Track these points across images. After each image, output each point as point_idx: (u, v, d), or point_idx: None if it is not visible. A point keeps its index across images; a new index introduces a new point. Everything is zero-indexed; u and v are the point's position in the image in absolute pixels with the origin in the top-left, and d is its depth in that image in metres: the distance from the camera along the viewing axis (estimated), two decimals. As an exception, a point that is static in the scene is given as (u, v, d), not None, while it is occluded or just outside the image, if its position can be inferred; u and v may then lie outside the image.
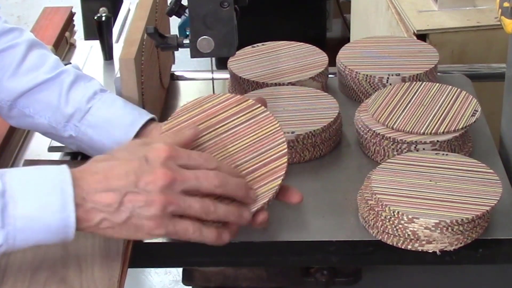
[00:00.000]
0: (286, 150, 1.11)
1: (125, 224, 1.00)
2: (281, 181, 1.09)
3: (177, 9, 1.30)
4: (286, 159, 1.10)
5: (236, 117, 1.11)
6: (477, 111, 1.32)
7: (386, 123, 1.30)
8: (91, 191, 0.99)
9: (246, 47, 1.55)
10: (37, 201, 0.97)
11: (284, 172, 1.10)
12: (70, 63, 1.49)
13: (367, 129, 1.31)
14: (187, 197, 1.02)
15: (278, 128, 1.12)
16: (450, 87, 1.38)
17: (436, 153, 1.24)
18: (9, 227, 0.96)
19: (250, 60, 1.52)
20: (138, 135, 1.21)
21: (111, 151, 1.06)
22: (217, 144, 1.11)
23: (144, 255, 1.16)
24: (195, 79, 1.64)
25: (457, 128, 1.29)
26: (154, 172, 1.00)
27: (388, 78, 1.44)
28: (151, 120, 1.24)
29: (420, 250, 1.13)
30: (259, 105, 1.13)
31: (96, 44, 1.67)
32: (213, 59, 1.34)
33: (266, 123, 1.12)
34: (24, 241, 0.98)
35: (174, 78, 1.63)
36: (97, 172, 1.00)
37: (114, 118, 1.22)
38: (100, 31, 1.62)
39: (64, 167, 1.00)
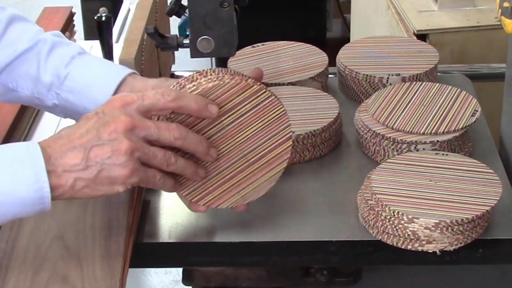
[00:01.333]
0: (291, 133, 1.13)
1: (98, 178, 1.01)
2: (286, 164, 1.12)
3: (177, 9, 1.30)
4: (291, 142, 1.13)
5: (242, 105, 1.10)
6: (477, 111, 1.32)
7: (386, 123, 1.30)
8: (58, 155, 1.00)
9: (246, 47, 1.55)
10: (10, 175, 0.98)
11: (288, 155, 1.12)
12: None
13: (367, 129, 1.31)
14: (150, 145, 1.03)
15: (283, 112, 1.12)
16: (450, 87, 1.38)
17: (436, 153, 1.24)
18: None
19: (250, 60, 1.52)
20: (119, 88, 1.21)
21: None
22: (224, 136, 1.11)
23: (144, 255, 1.16)
24: (195, 79, 1.63)
25: (457, 128, 1.29)
26: (114, 121, 1.01)
27: (388, 78, 1.44)
28: (130, 75, 1.22)
29: (420, 250, 1.13)
30: (264, 90, 1.11)
31: (96, 44, 1.67)
32: (213, 59, 1.34)
33: (271, 109, 1.11)
34: (2, 215, 1.00)
35: (174, 78, 1.63)
36: (61, 137, 1.02)
37: (92, 81, 1.21)
38: (100, 31, 1.62)
39: (33, 142, 1.02)
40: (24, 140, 1.41)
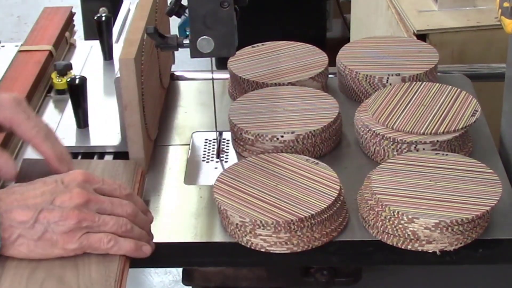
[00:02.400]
0: None
1: (40, 240, 1.03)
2: None
3: (177, 9, 1.30)
4: None
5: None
6: (477, 111, 1.32)
7: (386, 123, 1.30)
8: (8, 208, 1.02)
9: (246, 47, 1.55)
10: None
11: None
12: (70, 65, 1.50)
13: (367, 129, 1.31)
14: (102, 215, 1.06)
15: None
16: (450, 87, 1.38)
17: (436, 153, 1.24)
18: None
19: (250, 60, 1.52)
20: None
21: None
22: None
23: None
24: (195, 79, 1.64)
25: (457, 128, 1.29)
26: (70, 192, 1.04)
27: (388, 78, 1.44)
28: None
29: (420, 250, 1.13)
30: None
31: (96, 44, 1.67)
32: (213, 59, 1.34)
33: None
34: None
35: (174, 78, 1.63)
36: (14, 193, 1.04)
37: None
38: (100, 31, 1.62)
39: None
40: (22, 143, 1.40)
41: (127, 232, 1.07)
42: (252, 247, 1.14)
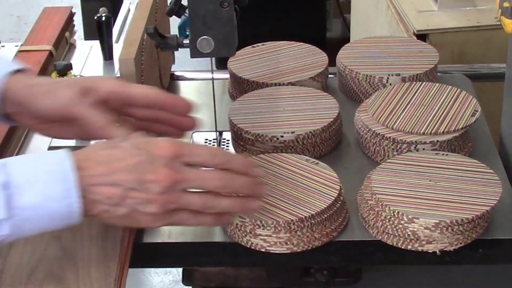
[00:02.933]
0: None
1: (124, 217, 1.02)
2: None
3: (177, 9, 1.30)
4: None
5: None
6: (477, 111, 1.32)
7: (386, 123, 1.30)
8: (95, 182, 1.00)
9: (246, 47, 1.55)
10: (41, 190, 0.97)
11: None
12: (70, 65, 1.50)
13: (367, 129, 1.31)
14: (188, 194, 1.03)
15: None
16: (450, 87, 1.38)
17: (436, 153, 1.24)
18: (15, 217, 0.97)
19: (250, 60, 1.52)
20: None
21: (115, 139, 1.06)
22: None
23: (144, 255, 1.16)
24: (195, 79, 1.64)
25: (457, 128, 1.29)
26: (157, 172, 1.00)
27: (388, 78, 1.44)
28: (17, 72, 1.18)
29: (420, 250, 1.13)
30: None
31: (96, 44, 1.67)
32: (213, 59, 1.34)
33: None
34: (31, 229, 0.99)
35: (174, 78, 1.63)
36: (101, 163, 1.01)
37: None
38: (100, 31, 1.62)
39: (64, 153, 1.00)
40: (22, 143, 1.40)
41: (212, 208, 1.04)
42: (252, 247, 1.14)
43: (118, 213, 1.01)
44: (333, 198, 1.15)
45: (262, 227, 1.12)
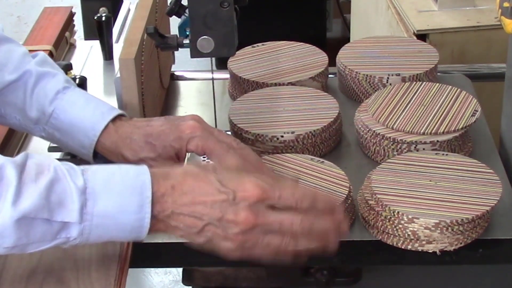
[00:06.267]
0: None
1: (200, 242, 1.03)
2: None
3: (177, 9, 1.30)
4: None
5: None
6: (477, 111, 1.32)
7: (386, 123, 1.30)
8: (178, 211, 1.01)
9: (246, 47, 1.55)
10: (115, 201, 0.98)
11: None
12: (70, 65, 1.49)
13: (367, 129, 1.31)
14: (267, 235, 1.02)
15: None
16: (450, 87, 1.38)
17: (436, 153, 1.24)
18: (86, 222, 0.97)
19: (250, 60, 1.52)
20: (104, 132, 1.20)
21: (206, 166, 1.05)
22: None
23: (144, 255, 1.16)
24: (195, 79, 1.64)
25: (457, 128, 1.29)
26: (238, 214, 1.00)
27: (388, 78, 1.44)
28: (117, 118, 1.21)
29: (420, 250, 1.13)
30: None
31: (96, 44, 1.67)
32: (213, 59, 1.34)
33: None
34: (98, 237, 1.00)
35: (174, 78, 1.63)
36: (185, 193, 1.01)
37: (76, 122, 1.21)
38: (100, 31, 1.62)
39: (144, 169, 1.01)
40: (22, 143, 1.40)
41: (290, 248, 1.03)
42: None
43: (194, 239, 1.03)
44: (345, 196, 1.15)
45: None
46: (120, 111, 1.22)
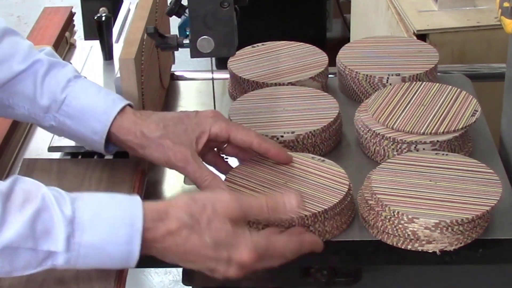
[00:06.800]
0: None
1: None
2: None
3: (177, 9, 1.30)
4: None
5: None
6: (477, 111, 1.32)
7: (386, 123, 1.30)
8: (163, 254, 1.03)
9: (246, 47, 1.55)
10: (104, 232, 0.98)
11: None
12: (70, 60, 1.49)
13: (367, 129, 1.31)
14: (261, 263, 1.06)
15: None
16: (450, 87, 1.38)
17: (436, 153, 1.24)
18: (72, 252, 0.98)
19: (250, 60, 1.52)
20: (121, 113, 1.21)
21: (201, 219, 1.04)
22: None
23: (144, 255, 1.15)
24: (195, 79, 1.64)
25: (457, 128, 1.29)
26: (236, 252, 1.02)
27: (388, 78, 1.44)
28: (126, 106, 1.22)
29: (420, 250, 1.13)
30: None
31: (96, 44, 1.67)
32: (213, 59, 1.34)
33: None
34: (86, 265, 1.00)
35: (174, 78, 1.63)
36: (177, 245, 1.02)
37: (88, 108, 1.21)
38: (100, 31, 1.62)
39: (137, 200, 1.01)
40: (22, 143, 1.40)
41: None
42: None
43: (186, 265, 1.05)
44: (344, 193, 1.15)
45: (276, 224, 1.12)
46: (128, 102, 1.23)
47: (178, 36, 1.29)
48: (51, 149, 1.34)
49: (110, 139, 1.21)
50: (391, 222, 1.13)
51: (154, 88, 1.43)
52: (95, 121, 1.20)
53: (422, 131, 1.28)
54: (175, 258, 1.03)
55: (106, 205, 1.01)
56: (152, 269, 2.57)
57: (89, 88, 1.23)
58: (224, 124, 1.20)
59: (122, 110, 1.21)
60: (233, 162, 1.32)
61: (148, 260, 1.15)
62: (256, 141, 1.20)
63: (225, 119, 1.23)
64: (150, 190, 1.27)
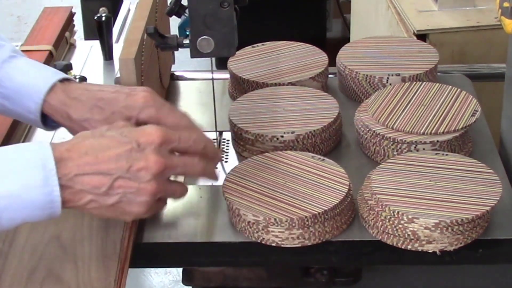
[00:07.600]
0: None
1: (113, 207, 1.02)
2: None
3: (177, 9, 1.30)
4: None
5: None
6: (477, 111, 1.32)
7: (386, 123, 1.30)
8: (81, 172, 0.99)
9: (246, 47, 1.55)
10: (18, 178, 0.97)
11: None
12: (70, 65, 1.50)
13: (367, 129, 1.31)
14: (172, 183, 1.07)
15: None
16: (450, 87, 1.38)
17: (436, 153, 1.24)
18: None
19: (250, 60, 1.52)
20: (50, 92, 1.17)
21: (100, 128, 1.05)
22: None
23: (144, 255, 1.16)
24: (195, 79, 1.64)
25: (457, 128, 1.29)
26: (146, 159, 1.01)
27: (388, 78, 1.44)
28: (62, 82, 1.18)
29: (420, 250, 1.13)
30: None
31: (96, 44, 1.67)
32: (213, 59, 1.34)
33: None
34: (11, 220, 0.98)
35: (174, 78, 1.63)
36: (86, 153, 1.00)
37: (23, 88, 1.18)
38: (100, 31, 1.62)
39: (45, 143, 1.00)
40: (24, 140, 1.41)
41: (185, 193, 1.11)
42: (263, 243, 1.14)
43: (106, 203, 1.01)
44: (344, 194, 1.15)
45: (275, 225, 1.12)
46: (66, 76, 1.20)
47: (178, 36, 1.30)
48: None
49: (46, 114, 1.19)
50: (391, 222, 1.13)
51: (154, 88, 1.43)
52: (28, 101, 1.18)
53: (422, 131, 1.28)
54: (89, 171, 0.99)
55: (15, 153, 0.99)
56: (152, 269, 2.57)
57: (22, 67, 1.20)
58: (153, 111, 1.14)
59: (53, 87, 1.17)
60: (233, 162, 1.32)
61: (148, 260, 1.16)
62: (193, 148, 1.12)
63: (157, 103, 1.15)
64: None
